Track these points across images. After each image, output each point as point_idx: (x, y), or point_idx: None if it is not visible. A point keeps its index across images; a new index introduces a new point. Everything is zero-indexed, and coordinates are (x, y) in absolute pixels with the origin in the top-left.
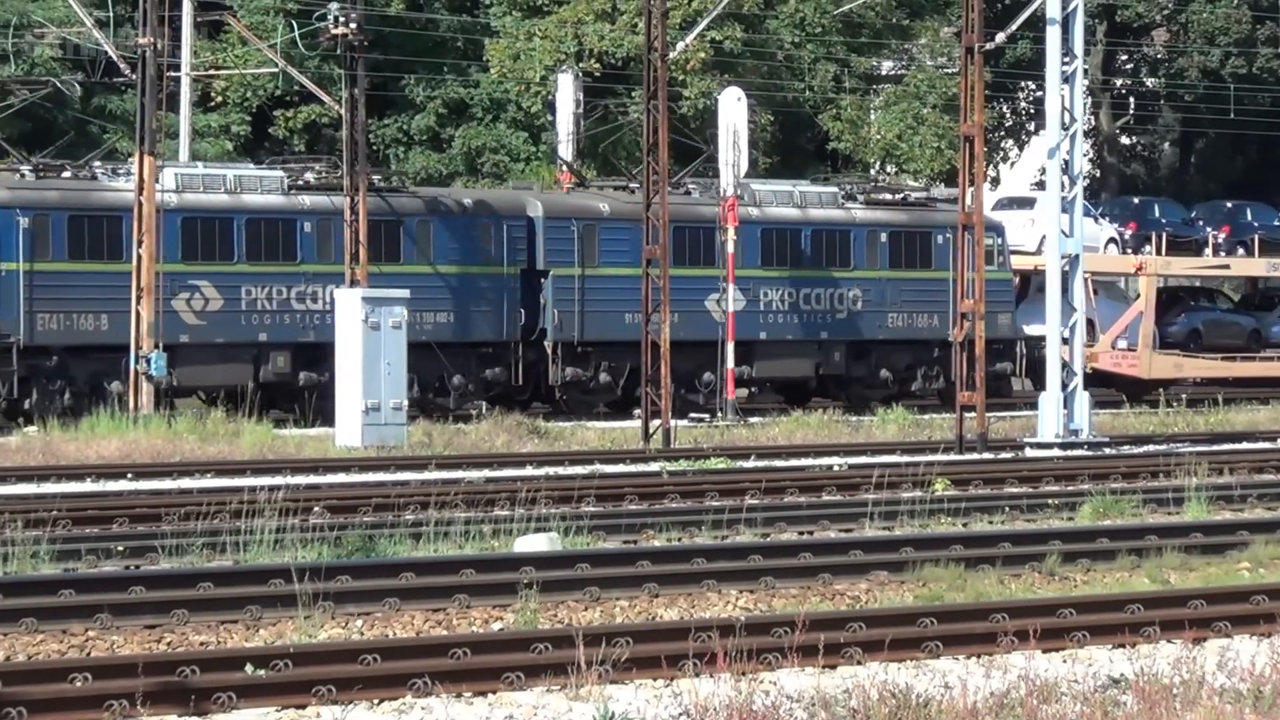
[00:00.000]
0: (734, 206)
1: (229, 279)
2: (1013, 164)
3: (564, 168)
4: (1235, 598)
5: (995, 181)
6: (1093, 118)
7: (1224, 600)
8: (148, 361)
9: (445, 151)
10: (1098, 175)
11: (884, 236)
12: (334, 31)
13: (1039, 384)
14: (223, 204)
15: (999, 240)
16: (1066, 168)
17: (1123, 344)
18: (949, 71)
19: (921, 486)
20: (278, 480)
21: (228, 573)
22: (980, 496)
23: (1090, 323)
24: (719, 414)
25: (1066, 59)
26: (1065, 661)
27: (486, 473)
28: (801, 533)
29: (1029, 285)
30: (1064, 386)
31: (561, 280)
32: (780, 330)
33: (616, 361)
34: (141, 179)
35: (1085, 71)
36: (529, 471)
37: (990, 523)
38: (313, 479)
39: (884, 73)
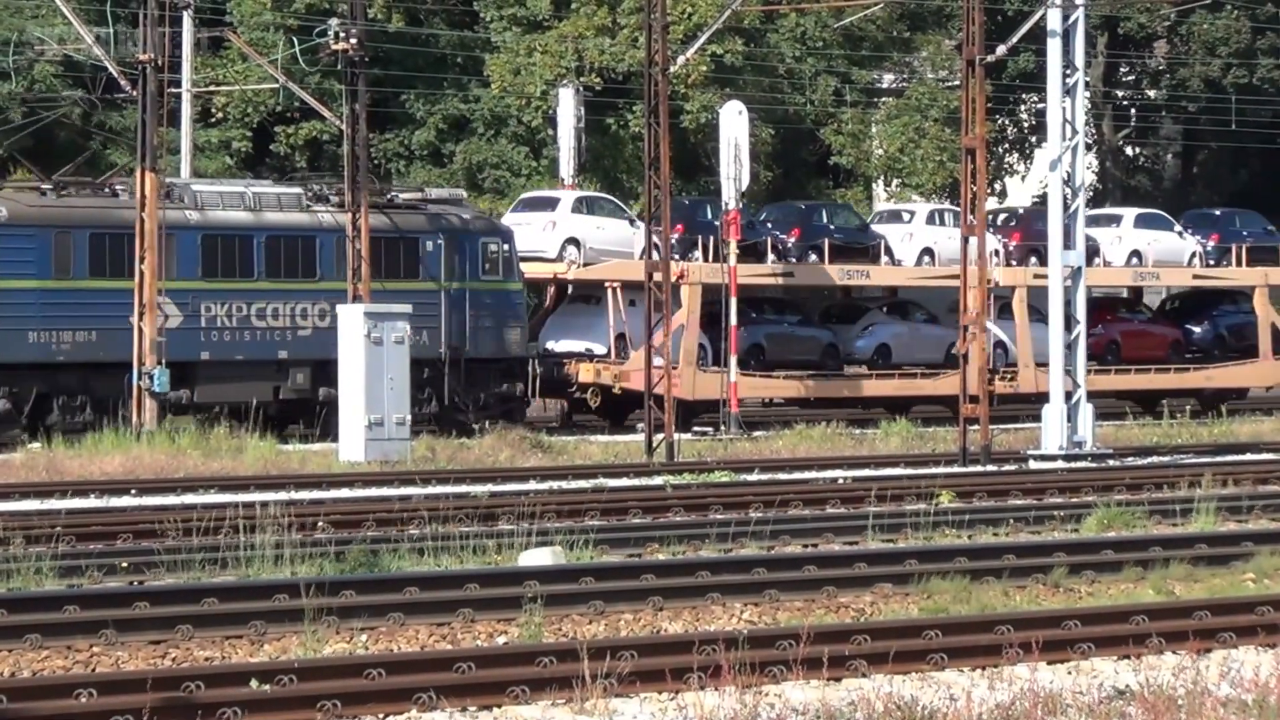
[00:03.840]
0: (735, 219)
1: None
2: (1023, 177)
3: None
4: (1240, 609)
5: (1001, 194)
6: (1095, 129)
7: (1228, 611)
8: (150, 378)
9: (446, 167)
10: (1101, 187)
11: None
12: (334, 47)
13: (579, 408)
14: None
15: (506, 247)
16: (1069, 179)
17: (660, 360)
18: (950, 85)
19: (925, 499)
20: (281, 495)
21: (232, 588)
22: (984, 509)
23: (621, 337)
24: (723, 427)
25: (1068, 71)
26: (1070, 673)
27: (490, 487)
28: (806, 545)
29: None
30: (1067, 398)
31: None
32: (228, 350)
33: (18, 387)
34: (143, 195)
35: (1087, 83)
36: (533, 486)
37: (994, 535)
38: (316, 494)
39: (885, 86)
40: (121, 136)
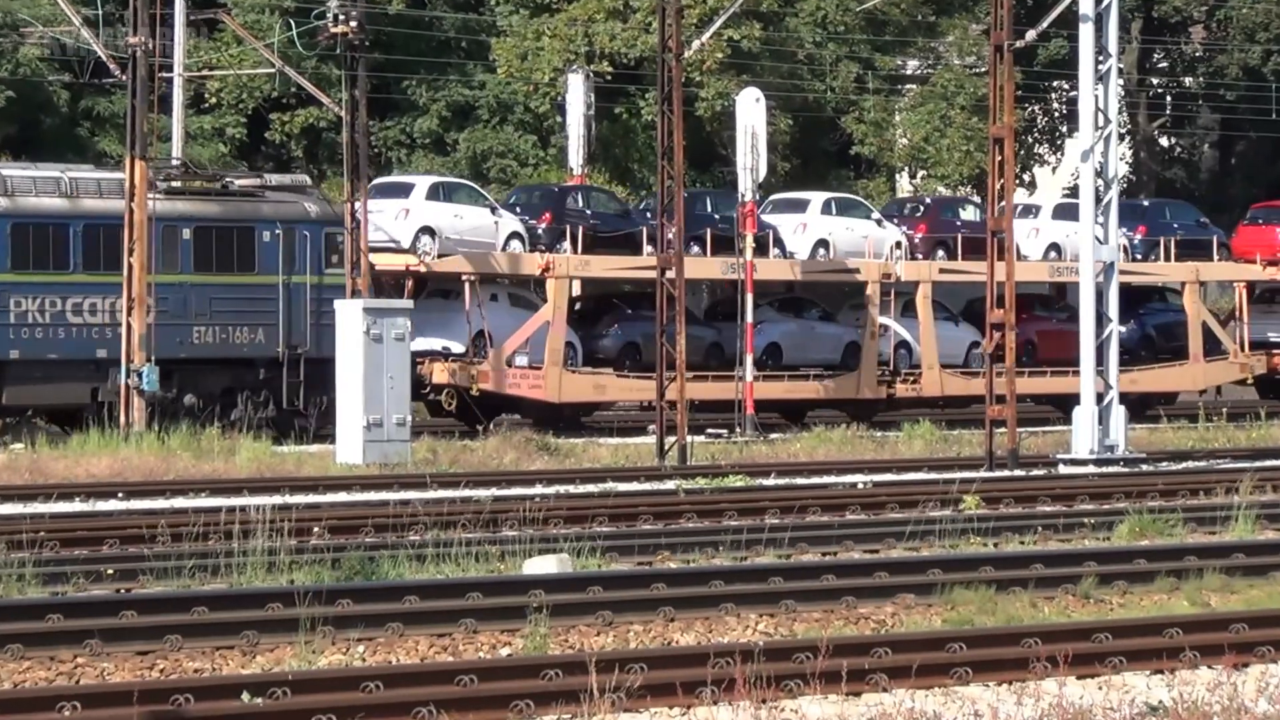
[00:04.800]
0: (753, 211)
1: None
2: (1054, 168)
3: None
4: (1278, 621)
5: (1031, 186)
6: (1128, 119)
7: (1267, 624)
8: (139, 375)
9: (450, 155)
10: (1135, 179)
11: (187, 233)
12: (333, 30)
13: (435, 411)
14: None
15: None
16: (1101, 170)
17: (523, 360)
18: (978, 71)
19: (950, 505)
20: (276, 499)
21: (223, 596)
22: (1011, 515)
23: (481, 334)
24: (738, 429)
25: (1100, 57)
26: (1100, 688)
27: (494, 491)
28: (824, 554)
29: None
30: (1099, 400)
31: None
32: (41, 348)
33: None
34: (132, 185)
35: (1120, 70)
36: (538, 490)
37: (1022, 543)
38: (312, 498)
39: (909, 73)
40: (110, 123)
